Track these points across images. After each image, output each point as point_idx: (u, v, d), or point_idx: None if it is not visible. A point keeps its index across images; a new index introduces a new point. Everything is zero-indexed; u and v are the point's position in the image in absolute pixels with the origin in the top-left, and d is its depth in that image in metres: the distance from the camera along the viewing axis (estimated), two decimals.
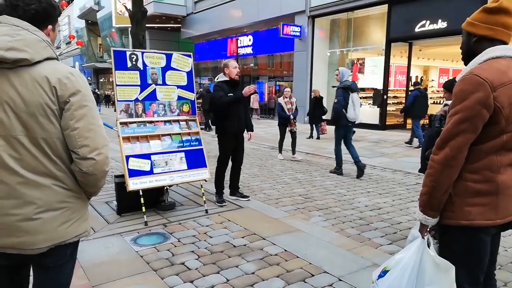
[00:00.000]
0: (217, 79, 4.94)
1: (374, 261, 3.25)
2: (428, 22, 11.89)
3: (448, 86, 3.68)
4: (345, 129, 6.62)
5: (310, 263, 3.21)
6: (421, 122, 9.64)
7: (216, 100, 4.74)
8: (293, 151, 8.39)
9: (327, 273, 3.04)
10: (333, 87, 6.57)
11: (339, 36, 16.05)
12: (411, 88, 11.68)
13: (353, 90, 6.50)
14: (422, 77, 16.86)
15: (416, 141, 9.81)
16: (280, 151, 8.50)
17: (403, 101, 14.28)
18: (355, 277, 2.98)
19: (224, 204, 4.82)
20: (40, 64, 1.40)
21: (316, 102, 11.05)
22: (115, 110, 4.47)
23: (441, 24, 11.54)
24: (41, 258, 1.48)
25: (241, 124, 4.95)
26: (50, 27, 1.51)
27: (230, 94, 4.72)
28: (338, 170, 6.85)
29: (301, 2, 15.55)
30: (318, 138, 11.42)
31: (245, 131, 5.12)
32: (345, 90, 6.43)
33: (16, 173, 1.38)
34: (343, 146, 6.69)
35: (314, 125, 11.44)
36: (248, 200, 5.03)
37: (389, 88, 13.76)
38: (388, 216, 4.53)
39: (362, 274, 3.02)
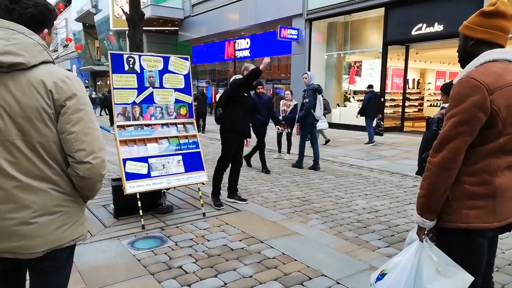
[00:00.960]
0: (233, 78, 5.23)
1: (372, 264, 3.25)
2: (424, 25, 11.94)
3: (446, 89, 3.69)
4: (311, 127, 7.37)
5: (308, 266, 3.20)
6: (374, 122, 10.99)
7: (238, 81, 4.95)
8: (288, 151, 8.74)
9: (325, 276, 3.04)
10: (304, 91, 7.44)
11: (336, 39, 16.08)
12: (364, 88, 12.54)
13: (320, 92, 7.35)
14: (419, 79, 16.95)
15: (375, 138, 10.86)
16: (279, 151, 8.72)
17: (400, 104, 14.38)
18: (353, 280, 2.98)
19: (222, 207, 4.81)
20: (36, 68, 1.39)
21: None
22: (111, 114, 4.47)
23: (438, 27, 11.60)
24: (38, 262, 1.47)
25: (247, 124, 5.19)
26: (46, 30, 1.50)
27: (245, 94, 5.02)
28: (299, 164, 7.40)
29: (298, 5, 15.58)
30: None
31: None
32: (314, 92, 7.23)
33: (12, 177, 1.37)
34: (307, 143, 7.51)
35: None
36: (246, 203, 5.03)
37: (386, 91, 13.81)
38: (386, 218, 4.53)
39: (360, 277, 3.02)
